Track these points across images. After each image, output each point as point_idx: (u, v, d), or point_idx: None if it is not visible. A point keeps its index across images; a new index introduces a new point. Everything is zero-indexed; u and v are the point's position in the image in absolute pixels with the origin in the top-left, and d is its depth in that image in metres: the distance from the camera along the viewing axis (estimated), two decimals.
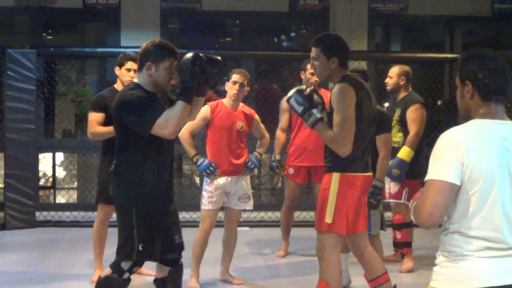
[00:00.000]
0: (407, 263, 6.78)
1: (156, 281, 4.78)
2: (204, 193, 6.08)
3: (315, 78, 6.72)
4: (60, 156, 10.77)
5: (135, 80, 4.48)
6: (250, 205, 6.23)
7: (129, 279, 4.46)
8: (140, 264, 4.49)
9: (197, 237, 6.07)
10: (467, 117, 2.89)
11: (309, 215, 8.88)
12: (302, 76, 7.08)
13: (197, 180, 10.90)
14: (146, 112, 4.23)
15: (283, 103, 7.03)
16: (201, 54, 4.28)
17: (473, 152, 2.70)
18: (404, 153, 6.56)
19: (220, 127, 6.07)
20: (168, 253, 4.62)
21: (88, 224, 8.79)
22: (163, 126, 4.19)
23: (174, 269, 4.69)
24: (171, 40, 9.50)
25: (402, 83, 6.83)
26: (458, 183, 2.70)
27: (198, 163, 6.03)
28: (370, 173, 4.73)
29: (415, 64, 9.88)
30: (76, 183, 10.90)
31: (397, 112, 6.80)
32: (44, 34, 11.29)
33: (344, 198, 4.54)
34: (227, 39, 11.83)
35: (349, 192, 4.54)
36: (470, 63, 2.87)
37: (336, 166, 4.58)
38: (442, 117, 10.22)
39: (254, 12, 10.49)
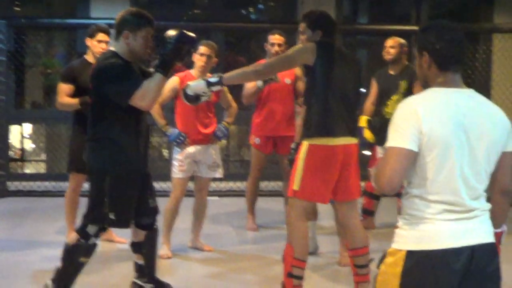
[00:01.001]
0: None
1: (132, 245, 4.94)
2: (175, 162, 6.21)
3: (275, 49, 6.88)
4: (28, 128, 10.82)
5: (112, 49, 4.58)
6: (219, 173, 6.38)
7: (95, 244, 4.58)
8: (105, 229, 4.62)
9: (168, 205, 6.22)
10: (426, 86, 2.98)
11: (277, 185, 9.02)
12: (266, 48, 7.19)
13: (165, 152, 11.02)
14: (125, 82, 4.35)
15: None
16: (185, 32, 4.40)
17: (430, 120, 2.79)
18: None
19: None
20: (143, 217, 4.78)
21: (59, 193, 8.84)
22: (141, 97, 4.31)
23: (149, 232, 4.86)
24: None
25: (403, 54, 6.98)
26: (416, 150, 2.79)
27: (168, 133, 6.16)
28: (353, 140, 4.79)
29: (382, 36, 10.01)
30: (44, 155, 10.96)
31: (404, 85, 6.86)
32: (13, 6, 11.25)
33: (310, 166, 4.67)
34: (196, 11, 11.86)
35: (317, 161, 4.66)
36: (427, 34, 2.96)
37: (306, 134, 4.73)
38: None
39: None
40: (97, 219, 4.51)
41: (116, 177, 4.46)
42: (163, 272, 5.72)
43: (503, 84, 10.02)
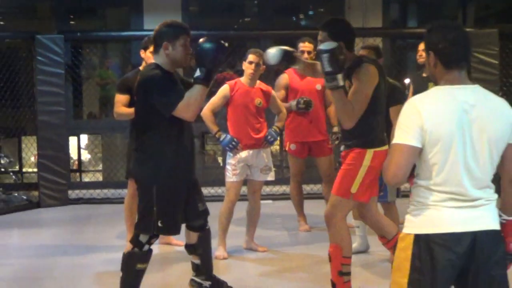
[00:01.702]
0: None
1: (187, 247, 5.15)
2: (228, 167, 6.45)
3: (305, 56, 7.09)
4: (84, 139, 11.18)
5: (153, 61, 4.76)
6: (271, 176, 6.60)
7: (150, 250, 4.80)
8: (156, 236, 4.82)
9: (223, 208, 6.46)
10: (436, 83, 3.15)
11: (316, 188, 9.15)
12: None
13: (219, 159, 11.28)
14: (169, 93, 4.52)
15: (281, 80, 7.35)
16: (222, 43, 4.56)
17: (432, 117, 2.96)
18: None
19: (239, 104, 6.42)
20: (194, 220, 4.98)
21: (118, 200, 9.24)
22: (184, 109, 4.48)
23: (202, 234, 5.06)
24: (192, 22, 9.90)
25: None
26: (419, 146, 2.98)
27: (221, 139, 6.39)
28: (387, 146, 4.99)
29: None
30: (101, 165, 11.32)
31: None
32: (69, 20, 11.67)
33: (372, 172, 4.86)
34: (245, 19, 12.11)
35: (377, 166, 4.84)
36: (432, 34, 3.12)
37: (367, 143, 4.88)
38: None
39: None
40: (147, 228, 4.69)
41: (162, 187, 4.63)
42: (219, 271, 5.96)
43: None
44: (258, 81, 6.53)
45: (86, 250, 6.89)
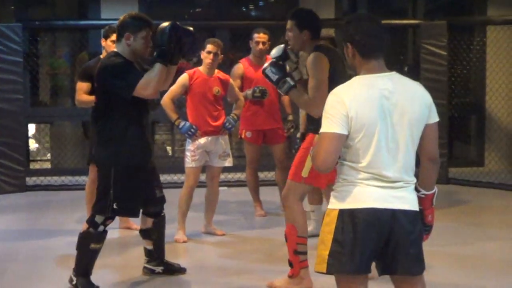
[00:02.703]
0: None
1: (141, 231, 5.39)
2: (187, 153, 6.64)
3: (260, 47, 7.36)
4: (31, 128, 11.22)
5: (115, 50, 4.99)
6: (229, 162, 6.82)
7: (105, 231, 4.99)
8: (112, 218, 5.00)
9: (182, 193, 6.66)
10: (355, 73, 3.36)
11: (270, 175, 9.31)
12: (250, 45, 7.62)
13: (168, 148, 11.44)
14: (127, 75, 4.74)
15: (236, 70, 7.55)
16: (178, 23, 4.83)
17: (355, 105, 3.17)
18: None
19: (198, 92, 6.62)
20: (151, 206, 5.20)
21: (75, 187, 9.38)
22: (144, 87, 4.70)
23: (157, 220, 5.28)
24: (148, 11, 10.02)
25: None
26: (345, 133, 3.19)
27: (180, 126, 6.57)
28: None
29: None
30: (49, 155, 11.38)
31: None
32: (27, 9, 11.65)
33: None
34: (200, 9, 12.24)
35: None
36: (349, 26, 3.33)
37: (318, 129, 5.11)
38: None
39: None
40: (103, 209, 4.90)
41: (121, 169, 4.84)
42: (179, 254, 6.19)
43: (496, 74, 10.40)
44: (216, 70, 6.73)
45: (47, 234, 7.03)
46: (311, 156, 3.38)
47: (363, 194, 3.21)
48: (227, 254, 6.30)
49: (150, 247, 5.39)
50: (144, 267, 5.48)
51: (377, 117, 3.19)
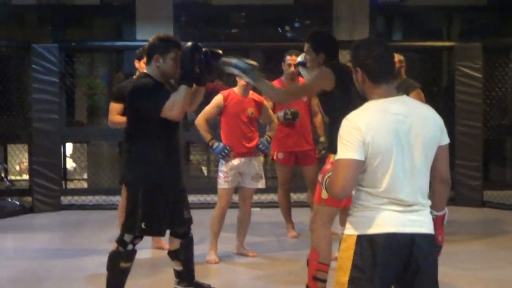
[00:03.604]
0: None
1: (169, 253, 5.35)
2: (220, 174, 6.66)
3: (292, 69, 7.36)
4: (69, 148, 11.35)
5: (145, 71, 5.03)
6: (262, 184, 6.81)
7: (134, 250, 5.01)
8: (141, 237, 5.02)
9: (214, 214, 6.67)
10: (366, 97, 3.35)
11: (302, 196, 9.25)
12: (283, 67, 7.60)
13: (204, 169, 11.48)
14: (156, 96, 4.77)
15: None
16: (199, 44, 4.83)
17: (372, 132, 3.15)
18: None
19: (232, 113, 6.64)
20: (178, 226, 5.19)
21: (109, 206, 9.43)
22: (170, 108, 4.72)
23: (184, 240, 5.25)
24: (183, 33, 10.09)
25: (402, 69, 7.35)
26: (363, 159, 3.17)
27: (214, 147, 6.59)
28: None
29: (414, 53, 10.42)
30: (86, 174, 11.47)
31: None
32: (64, 30, 11.83)
33: None
34: (234, 31, 12.32)
35: None
36: (359, 51, 3.33)
37: (334, 149, 5.10)
38: (441, 102, 10.68)
39: (261, 6, 11.06)
40: (131, 228, 4.92)
41: (148, 189, 4.86)
42: (210, 275, 6.19)
43: None
44: (250, 91, 6.75)
45: (80, 253, 7.08)
46: (326, 183, 3.38)
47: (382, 219, 3.20)
48: (259, 276, 6.28)
49: (179, 268, 5.37)
50: None
51: (393, 141, 3.19)
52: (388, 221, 3.19)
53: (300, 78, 7.62)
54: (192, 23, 11.58)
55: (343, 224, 6.59)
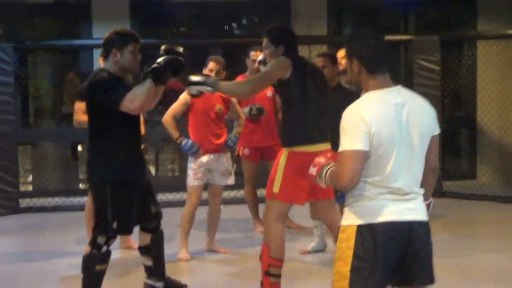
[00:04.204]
0: None
1: (140, 248, 5.26)
2: (189, 171, 6.59)
3: (256, 65, 7.33)
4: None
5: (102, 67, 4.95)
6: (231, 180, 6.78)
7: (108, 251, 4.91)
8: (114, 237, 4.92)
9: (185, 212, 6.60)
10: (359, 88, 3.39)
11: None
12: (247, 63, 7.62)
13: (152, 168, 11.32)
14: (115, 89, 4.66)
15: None
16: (172, 47, 4.81)
17: (376, 122, 3.17)
18: None
19: (200, 110, 6.59)
20: (148, 222, 5.11)
21: (70, 208, 9.28)
22: (130, 101, 4.60)
23: (155, 235, 5.17)
24: (140, 31, 9.97)
25: None
26: (368, 149, 3.19)
27: (182, 144, 6.52)
28: (324, 146, 4.98)
29: None
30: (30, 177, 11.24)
31: None
32: (18, 29, 11.57)
33: (289, 172, 4.98)
34: (192, 27, 12.23)
35: (296, 167, 4.94)
36: (354, 42, 3.34)
37: (286, 141, 5.09)
38: None
39: (219, 2, 11.01)
40: (104, 229, 4.82)
41: (116, 186, 4.77)
42: (182, 273, 6.14)
43: (488, 88, 10.47)
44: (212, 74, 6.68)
45: (46, 256, 6.94)
46: (327, 175, 3.35)
47: (381, 208, 3.22)
48: (231, 273, 6.25)
49: (149, 263, 5.27)
50: (145, 283, 5.38)
51: (396, 133, 3.22)
52: (388, 210, 3.21)
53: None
54: (149, 21, 11.44)
55: (314, 217, 6.61)
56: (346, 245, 3.22)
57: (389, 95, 3.27)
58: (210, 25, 11.31)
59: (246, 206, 7.94)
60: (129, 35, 4.88)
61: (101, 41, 5.02)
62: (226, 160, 6.73)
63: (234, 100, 6.83)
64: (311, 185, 4.90)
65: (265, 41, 5.16)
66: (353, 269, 3.20)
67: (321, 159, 3.43)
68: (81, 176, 10.51)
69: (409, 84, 10.10)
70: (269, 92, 7.44)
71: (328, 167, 3.36)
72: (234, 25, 12.19)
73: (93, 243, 4.87)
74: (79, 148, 10.66)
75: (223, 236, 7.42)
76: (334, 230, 5.24)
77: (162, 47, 4.81)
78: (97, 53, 9.22)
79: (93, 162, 4.88)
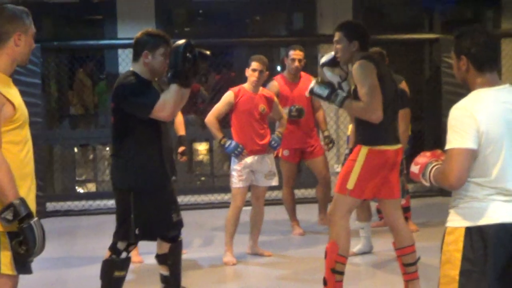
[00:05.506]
0: (412, 226, 7.27)
1: (157, 257, 5.01)
2: (234, 173, 6.47)
3: (295, 64, 7.29)
4: None
5: (131, 69, 4.73)
6: (275, 181, 6.67)
7: (128, 258, 4.77)
8: (135, 244, 4.80)
9: (230, 214, 6.48)
10: (465, 86, 3.28)
11: (307, 192, 9.23)
12: (285, 62, 7.52)
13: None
14: (144, 96, 4.50)
15: (271, 87, 7.28)
16: (192, 43, 4.51)
17: (485, 120, 3.09)
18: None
19: (244, 110, 6.47)
20: (168, 230, 4.90)
21: (97, 212, 9.15)
22: (161, 109, 4.45)
23: (173, 245, 4.93)
24: (165, 30, 9.86)
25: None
26: (477, 148, 3.11)
27: (226, 145, 6.40)
28: (399, 146, 5.11)
29: (398, 45, 10.39)
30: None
31: None
32: (43, 30, 11.46)
33: (367, 170, 4.95)
34: (220, 27, 12.09)
35: (374, 164, 4.95)
36: (463, 39, 3.26)
37: (365, 140, 5.02)
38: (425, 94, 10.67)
39: (245, 1, 10.87)
40: (125, 235, 4.67)
41: (139, 193, 4.62)
42: (229, 277, 6.04)
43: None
44: (260, 88, 6.59)
45: (83, 262, 6.81)
46: (432, 174, 3.26)
47: (492, 210, 3.13)
48: (280, 276, 6.15)
49: (166, 273, 5.02)
50: None
51: (504, 131, 3.14)
52: (498, 211, 3.13)
53: (303, 73, 7.50)
54: (175, 19, 11.34)
55: (361, 219, 6.52)
56: (455, 248, 3.14)
57: (498, 93, 3.19)
58: (238, 23, 11.19)
59: (280, 207, 7.83)
60: (161, 37, 4.70)
61: (126, 41, 4.83)
62: (270, 161, 6.61)
63: (276, 100, 6.73)
64: (382, 183, 4.98)
65: (337, 35, 5.08)
66: (463, 272, 3.12)
67: (423, 158, 3.35)
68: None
69: (435, 83, 10.05)
70: (307, 92, 7.29)
71: (432, 165, 3.28)
72: (259, 24, 12.10)
73: (113, 248, 4.73)
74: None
75: (260, 238, 7.25)
76: (394, 230, 5.21)
77: (179, 43, 4.44)
78: (124, 54, 9.18)
79: (118, 165, 4.73)
